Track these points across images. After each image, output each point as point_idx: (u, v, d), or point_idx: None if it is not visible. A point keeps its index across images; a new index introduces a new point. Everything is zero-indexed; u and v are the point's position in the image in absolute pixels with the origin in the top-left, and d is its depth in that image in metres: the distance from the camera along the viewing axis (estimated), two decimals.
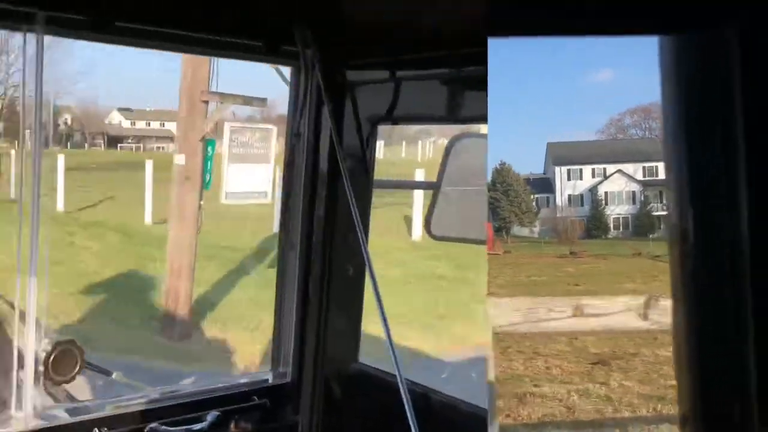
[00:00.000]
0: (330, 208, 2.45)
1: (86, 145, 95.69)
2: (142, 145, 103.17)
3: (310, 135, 2.44)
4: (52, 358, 2.04)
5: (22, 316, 2.07)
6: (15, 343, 2.10)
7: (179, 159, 10.64)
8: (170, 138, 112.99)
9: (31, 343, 2.03)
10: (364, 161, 2.38)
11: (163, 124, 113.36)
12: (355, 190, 2.16)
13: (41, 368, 2.03)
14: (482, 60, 2.03)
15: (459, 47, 2.05)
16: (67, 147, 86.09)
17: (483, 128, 2.28)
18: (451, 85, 2.22)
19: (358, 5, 2.23)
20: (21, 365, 2.06)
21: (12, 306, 3.61)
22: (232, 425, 2.42)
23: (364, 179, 2.38)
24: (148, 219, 23.31)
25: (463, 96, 2.19)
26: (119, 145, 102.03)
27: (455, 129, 2.58)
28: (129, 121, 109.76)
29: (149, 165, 23.83)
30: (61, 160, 25.56)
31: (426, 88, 2.31)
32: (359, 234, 2.12)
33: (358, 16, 2.28)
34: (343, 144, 2.35)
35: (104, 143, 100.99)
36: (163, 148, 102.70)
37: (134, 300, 12.83)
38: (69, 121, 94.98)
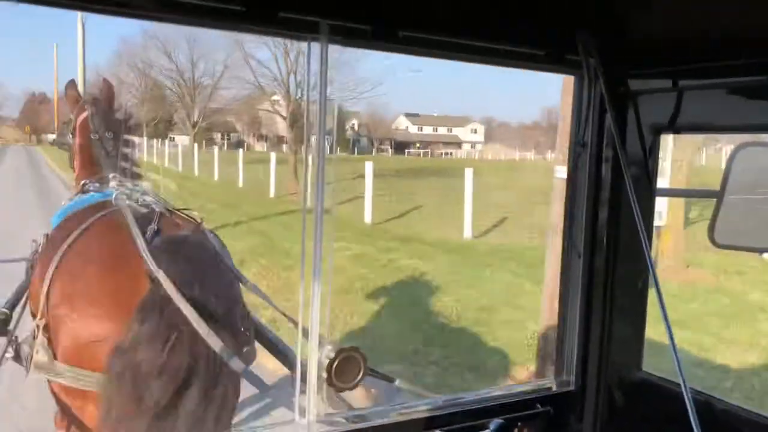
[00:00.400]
0: (613, 217, 2.47)
1: (373, 150, 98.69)
2: (429, 151, 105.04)
3: (593, 144, 2.47)
4: (335, 364, 2.06)
5: (305, 328, 2.12)
6: (298, 351, 2.18)
7: (560, 172, 8.96)
8: (458, 144, 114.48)
9: (314, 350, 2.07)
10: (647, 170, 2.39)
11: (450, 129, 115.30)
12: (638, 198, 2.16)
13: (324, 375, 2.06)
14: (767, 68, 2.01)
15: (745, 56, 2.02)
16: (354, 153, 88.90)
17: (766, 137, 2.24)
18: (736, 93, 2.18)
19: (642, 14, 2.25)
20: (304, 373, 2.10)
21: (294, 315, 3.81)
22: None
23: (647, 187, 2.38)
24: (467, 233, 19.72)
25: (748, 105, 2.15)
26: (407, 150, 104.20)
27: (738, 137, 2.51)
28: (416, 127, 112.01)
29: (469, 173, 20.38)
30: (369, 167, 22.90)
31: (710, 97, 2.26)
32: (643, 242, 2.12)
33: (641, 25, 2.29)
34: (627, 153, 2.36)
35: (391, 148, 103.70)
36: (450, 154, 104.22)
37: (500, 342, 9.67)
38: (356, 127, 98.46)
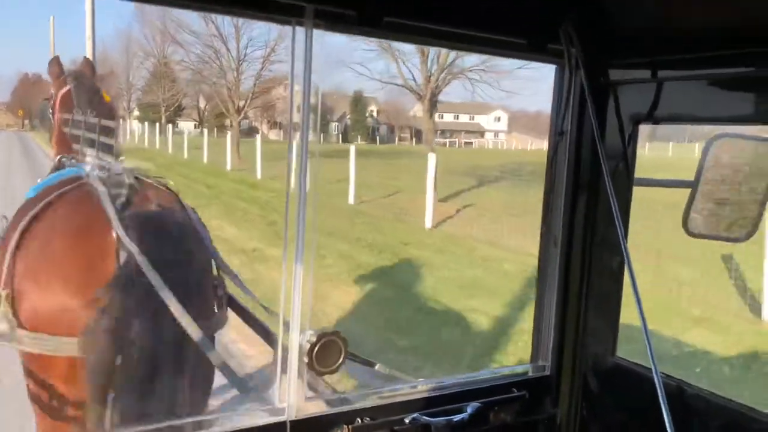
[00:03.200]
0: (591, 205, 2.58)
1: (396, 139, 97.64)
2: (457, 141, 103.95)
3: (573, 133, 2.58)
4: (316, 349, 2.13)
5: (287, 309, 2.18)
6: (279, 335, 2.24)
7: None
8: (480, 132, 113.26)
9: (295, 334, 2.14)
10: (626, 160, 2.48)
11: (473, 117, 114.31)
12: (616, 187, 2.26)
13: (305, 359, 2.14)
14: (748, 61, 2.10)
15: (723, 49, 2.12)
16: (375, 143, 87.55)
17: (745, 129, 2.36)
18: (714, 85, 2.29)
19: (623, 5, 2.35)
20: (285, 357, 2.17)
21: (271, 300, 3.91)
22: (491, 416, 2.57)
23: (625, 177, 2.48)
24: None
25: (725, 97, 2.26)
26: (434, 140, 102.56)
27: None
28: (437, 114, 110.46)
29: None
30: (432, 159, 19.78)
31: (689, 89, 2.35)
32: (619, 231, 2.21)
33: (623, 15, 2.37)
34: (606, 143, 2.45)
35: (411, 137, 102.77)
36: (471, 143, 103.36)
37: None
38: (375, 113, 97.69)
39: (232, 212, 21.66)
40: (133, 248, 3.37)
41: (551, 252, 2.72)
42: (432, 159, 20.26)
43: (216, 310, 3.95)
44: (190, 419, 2.29)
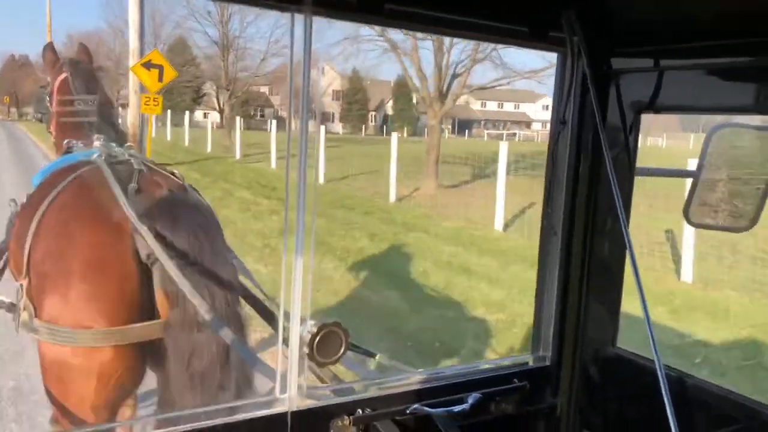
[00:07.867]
0: (592, 194, 2.70)
1: (444, 131, 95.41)
2: (505, 132, 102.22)
3: (575, 122, 2.68)
4: (317, 339, 2.22)
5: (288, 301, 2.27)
6: (280, 326, 2.35)
7: None
8: (526, 123, 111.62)
9: (296, 325, 2.22)
10: (627, 149, 2.59)
11: (518, 105, 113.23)
12: (617, 177, 2.34)
13: (306, 350, 2.22)
14: (751, 51, 2.19)
15: (726, 37, 2.23)
16: (422, 135, 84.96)
17: (746, 119, 2.48)
18: (716, 75, 2.39)
19: None
20: (286, 347, 2.27)
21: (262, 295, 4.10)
22: (492, 407, 2.69)
23: (626, 166, 2.59)
24: None
25: (728, 86, 2.36)
26: (486, 131, 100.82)
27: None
28: (478, 102, 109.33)
29: None
30: None
31: (691, 78, 2.45)
32: (621, 220, 2.31)
33: (625, 3, 2.49)
34: (607, 131, 2.56)
35: (453, 129, 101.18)
36: (515, 135, 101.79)
37: None
38: (416, 102, 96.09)
39: None
40: (144, 233, 3.58)
41: (552, 241, 2.85)
42: None
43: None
44: (188, 411, 2.42)
